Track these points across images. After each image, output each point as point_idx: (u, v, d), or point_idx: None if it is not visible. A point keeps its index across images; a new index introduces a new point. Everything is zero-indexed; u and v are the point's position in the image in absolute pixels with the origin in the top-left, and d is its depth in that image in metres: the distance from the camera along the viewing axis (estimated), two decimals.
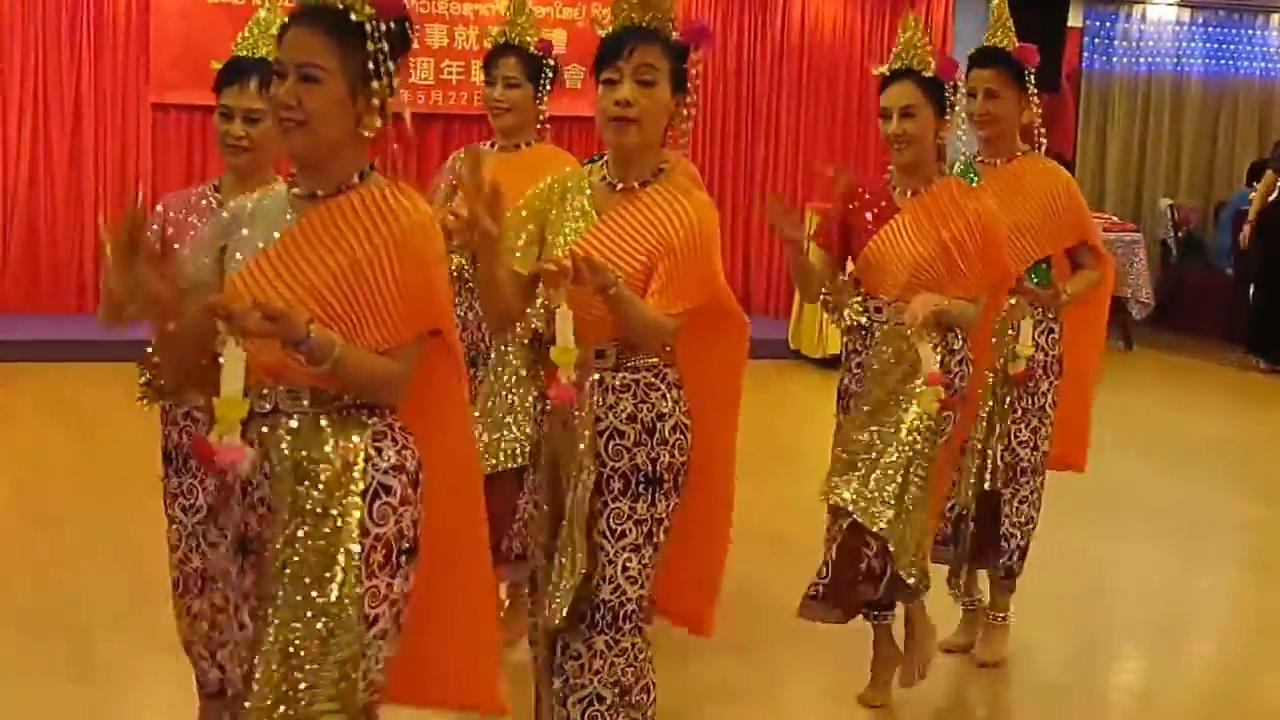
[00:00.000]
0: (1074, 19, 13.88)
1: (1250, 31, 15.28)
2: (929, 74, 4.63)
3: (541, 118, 5.40)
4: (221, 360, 2.81)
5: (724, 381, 3.99)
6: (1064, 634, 5.77)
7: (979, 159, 5.38)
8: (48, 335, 10.65)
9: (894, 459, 4.66)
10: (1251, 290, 12.20)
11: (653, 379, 3.76)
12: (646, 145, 3.75)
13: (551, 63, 5.35)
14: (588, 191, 3.82)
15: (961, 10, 13.27)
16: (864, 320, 4.77)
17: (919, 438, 4.64)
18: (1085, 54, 14.34)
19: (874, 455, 4.69)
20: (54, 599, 5.76)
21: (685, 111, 3.74)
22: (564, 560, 3.74)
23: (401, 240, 2.99)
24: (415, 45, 3.23)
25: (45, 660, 5.23)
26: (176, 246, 4.04)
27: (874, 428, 4.66)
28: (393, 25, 2.97)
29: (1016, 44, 5.26)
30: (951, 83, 4.69)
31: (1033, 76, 5.26)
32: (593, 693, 3.74)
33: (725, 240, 6.42)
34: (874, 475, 4.65)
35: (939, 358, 4.50)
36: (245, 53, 4.00)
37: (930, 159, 4.77)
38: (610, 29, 3.77)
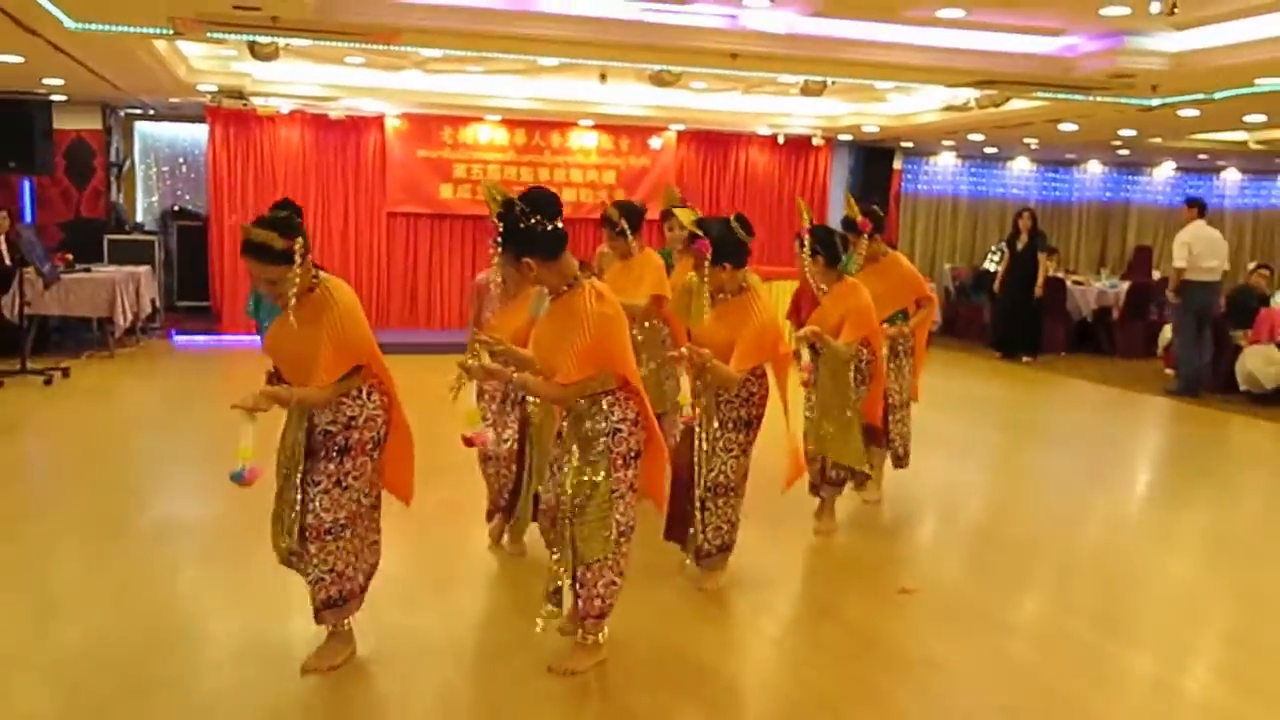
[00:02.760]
0: (896, 164, 13.87)
1: (996, 172, 15.22)
2: (806, 235, 4.73)
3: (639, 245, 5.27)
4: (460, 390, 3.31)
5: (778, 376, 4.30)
6: (891, 506, 5.76)
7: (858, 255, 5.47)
8: None
9: (829, 427, 4.97)
10: (996, 316, 12.13)
11: (750, 377, 4.11)
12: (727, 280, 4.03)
13: (641, 216, 5.36)
14: (707, 296, 4.07)
15: (835, 162, 13.22)
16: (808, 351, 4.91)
17: (846, 398, 4.94)
18: (903, 183, 14.30)
19: (826, 425, 4.99)
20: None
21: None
22: (700, 463, 4.20)
23: (597, 319, 3.27)
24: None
25: None
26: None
27: (822, 407, 4.98)
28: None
29: (860, 216, 5.38)
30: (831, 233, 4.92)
31: (873, 228, 5.47)
32: (711, 524, 4.25)
33: None
34: (826, 435, 4.97)
35: (814, 357, 4.81)
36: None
37: (824, 276, 4.82)
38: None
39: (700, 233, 3.97)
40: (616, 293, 4.63)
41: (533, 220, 3.25)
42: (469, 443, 3.23)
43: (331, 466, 3.36)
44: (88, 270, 9.85)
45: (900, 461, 5.79)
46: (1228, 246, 10.17)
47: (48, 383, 8.26)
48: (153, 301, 10.84)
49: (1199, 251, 9.63)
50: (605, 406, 3.38)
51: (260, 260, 3.16)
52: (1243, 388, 9.59)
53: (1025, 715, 3.43)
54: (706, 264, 3.94)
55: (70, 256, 10.13)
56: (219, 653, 3.67)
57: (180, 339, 11.02)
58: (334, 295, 3.28)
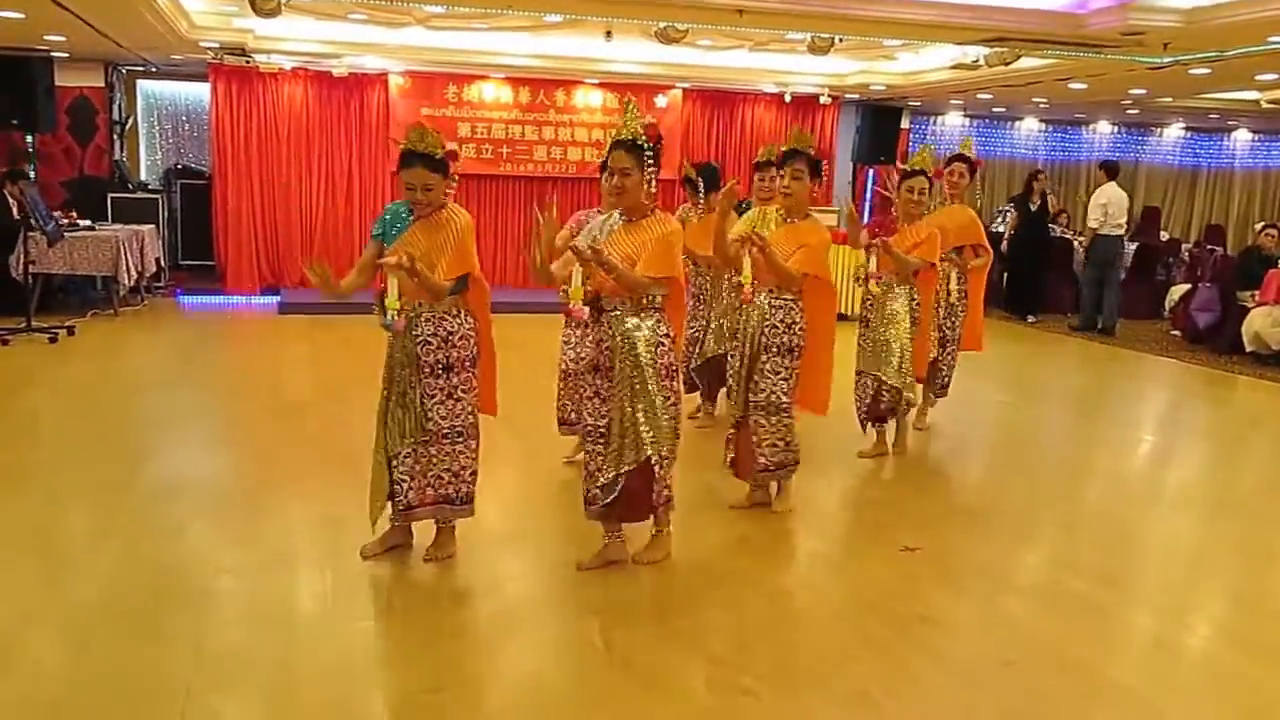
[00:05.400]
0: (904, 123, 13.70)
1: (1004, 131, 15.13)
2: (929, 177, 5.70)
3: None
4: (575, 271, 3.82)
5: (825, 308, 4.81)
6: (894, 465, 5.79)
7: (939, 203, 6.26)
8: (336, 300, 10.68)
9: (891, 346, 5.66)
10: (1006, 276, 12.06)
11: (791, 304, 4.67)
12: (794, 207, 4.67)
13: (716, 174, 6.15)
14: (774, 221, 4.72)
15: (842, 121, 13.13)
16: (870, 286, 5.65)
17: (903, 332, 5.65)
18: (910, 143, 14.16)
19: (882, 346, 5.68)
20: (339, 441, 5.80)
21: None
22: (739, 384, 4.78)
23: (666, 235, 3.86)
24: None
25: (329, 470, 5.27)
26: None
27: (881, 332, 5.69)
28: (655, 147, 3.81)
29: (973, 155, 6.31)
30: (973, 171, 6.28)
31: (970, 173, 6.31)
32: (765, 440, 4.73)
33: None
34: (882, 354, 5.67)
35: (874, 272, 5.56)
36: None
37: (919, 213, 5.72)
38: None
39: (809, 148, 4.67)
40: (695, 244, 5.63)
41: (659, 144, 3.86)
42: (569, 313, 3.90)
43: (441, 381, 3.91)
44: (92, 229, 9.83)
45: (941, 391, 6.52)
46: (1129, 203, 11.70)
47: (53, 341, 8.28)
48: (157, 260, 10.83)
49: (1112, 211, 10.97)
50: (653, 324, 3.91)
51: (426, 167, 3.77)
52: (1249, 349, 9.57)
53: (1026, 671, 3.46)
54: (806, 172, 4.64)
55: (75, 215, 10.12)
56: (228, 608, 3.70)
57: (186, 299, 11.03)
58: (459, 213, 3.90)
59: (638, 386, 3.89)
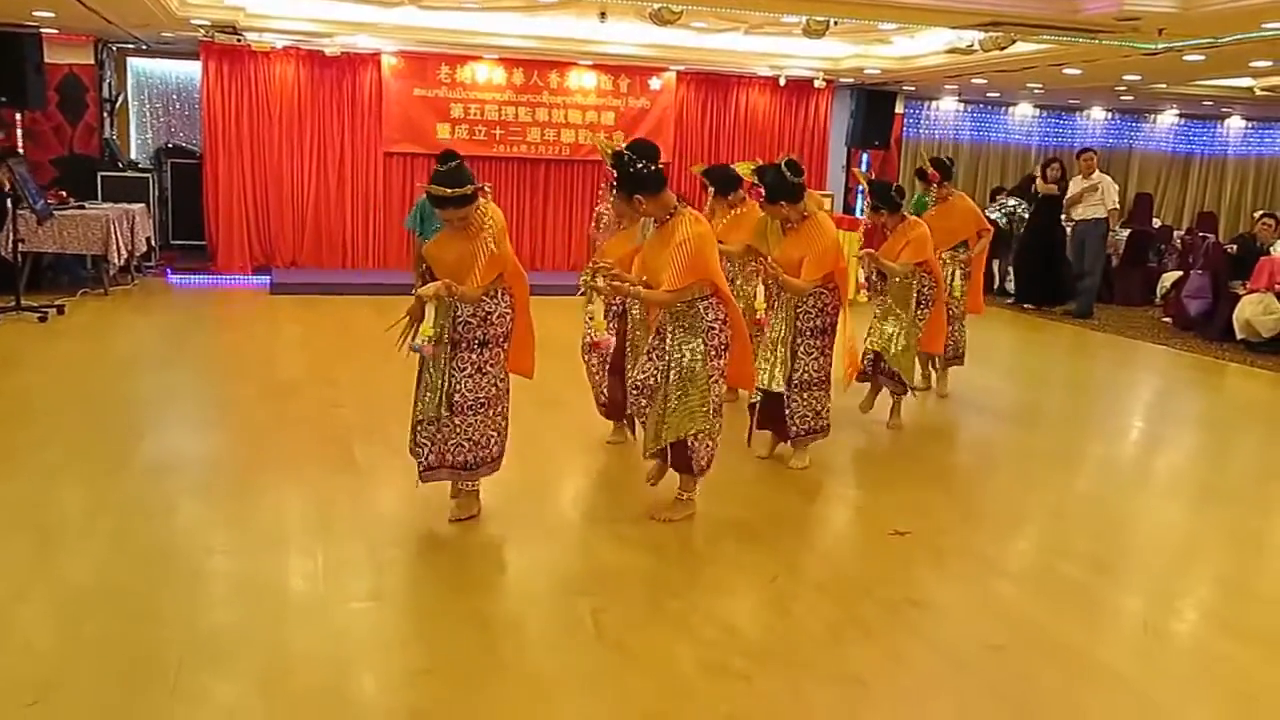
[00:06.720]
0: (899, 107, 13.69)
1: (998, 117, 15.11)
2: (867, 194, 6.09)
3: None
4: (591, 304, 4.47)
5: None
6: (882, 450, 5.77)
7: (930, 196, 6.93)
8: (329, 280, 10.66)
9: (898, 328, 6.01)
10: (1014, 267, 12.03)
11: (824, 291, 4.99)
12: (785, 218, 4.94)
13: (724, 175, 6.19)
14: (779, 227, 5.06)
15: (836, 105, 13.09)
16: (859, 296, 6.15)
17: (907, 315, 6.01)
18: (905, 128, 14.15)
19: (887, 328, 6.05)
20: (330, 423, 5.78)
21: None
22: (779, 363, 5.05)
23: (682, 242, 4.05)
24: None
25: (320, 451, 5.25)
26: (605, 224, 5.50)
27: (890, 310, 6.06)
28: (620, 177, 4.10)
29: (930, 169, 6.76)
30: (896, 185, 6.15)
31: (940, 177, 6.75)
32: (799, 412, 5.10)
33: None
34: (889, 333, 6.02)
35: (867, 277, 6.14)
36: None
37: (889, 221, 5.96)
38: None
39: (757, 181, 4.90)
40: (721, 238, 5.63)
41: (639, 165, 4.05)
42: (595, 346, 4.23)
43: (473, 356, 4.09)
44: (82, 207, 9.76)
45: (953, 361, 7.04)
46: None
47: (43, 320, 8.24)
48: (148, 239, 10.76)
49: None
50: (702, 309, 4.18)
51: (459, 207, 3.89)
52: (1240, 336, 9.60)
53: (1015, 654, 3.48)
54: (767, 204, 4.93)
55: (65, 193, 10.04)
56: (220, 588, 3.69)
57: (176, 278, 10.97)
58: (489, 218, 3.99)
59: (678, 374, 4.22)
